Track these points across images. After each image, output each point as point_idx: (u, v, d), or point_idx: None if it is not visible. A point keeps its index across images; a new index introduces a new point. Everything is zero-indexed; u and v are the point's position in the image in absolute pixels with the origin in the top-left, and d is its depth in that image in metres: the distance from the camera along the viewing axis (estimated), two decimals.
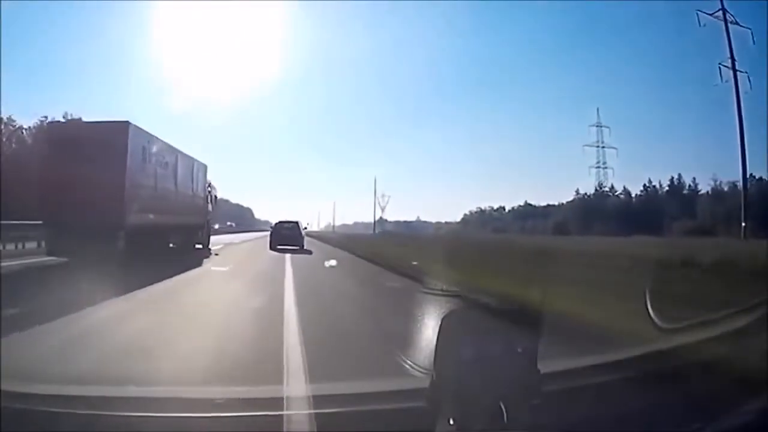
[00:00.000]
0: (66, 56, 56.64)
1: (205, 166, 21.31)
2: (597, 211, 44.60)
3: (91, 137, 13.19)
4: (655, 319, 3.24)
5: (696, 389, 2.18)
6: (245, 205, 75.14)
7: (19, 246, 15.10)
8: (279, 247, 21.59)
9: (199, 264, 14.94)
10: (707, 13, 33.74)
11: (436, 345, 1.74)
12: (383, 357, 4.02)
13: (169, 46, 55.40)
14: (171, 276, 10.64)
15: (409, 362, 2.66)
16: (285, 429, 1.93)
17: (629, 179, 51.83)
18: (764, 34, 32.86)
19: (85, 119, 26.06)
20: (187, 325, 6.31)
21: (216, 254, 19.26)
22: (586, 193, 48.47)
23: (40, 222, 13.95)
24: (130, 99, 49.26)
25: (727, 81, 32.74)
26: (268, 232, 27.65)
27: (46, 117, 34.00)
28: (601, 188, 47.49)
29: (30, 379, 2.76)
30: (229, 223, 46.12)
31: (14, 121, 34.65)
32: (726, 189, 40.78)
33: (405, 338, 3.61)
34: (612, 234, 34.09)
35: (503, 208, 55.82)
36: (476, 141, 65.06)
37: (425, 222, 58.12)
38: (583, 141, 46.60)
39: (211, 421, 1.93)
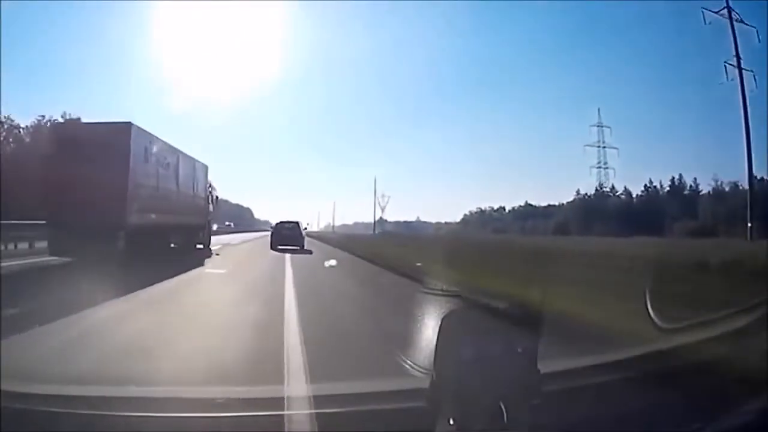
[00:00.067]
0: (66, 56, 56.68)
1: (206, 167, 21.40)
2: (598, 212, 44.54)
3: (94, 138, 13.29)
4: (655, 319, 3.24)
5: (696, 389, 2.18)
6: (245, 205, 75.29)
7: (10, 246, 15.09)
8: (279, 247, 21.70)
9: (200, 264, 14.94)
10: (712, 11, 33.60)
11: (436, 345, 1.74)
12: (383, 357, 4.02)
13: (169, 46, 55.44)
14: (172, 276, 10.65)
15: (409, 362, 2.65)
16: (286, 429, 1.93)
17: (630, 179, 51.66)
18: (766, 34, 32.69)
19: (84, 119, 26.33)
20: (188, 324, 6.32)
21: (217, 254, 19.30)
22: (586, 194, 48.47)
23: (38, 222, 14.05)
24: (130, 99, 49.38)
25: (732, 79, 32.53)
26: (268, 233, 27.79)
27: (43, 116, 34.19)
28: (601, 188, 47.48)
29: (30, 379, 2.77)
30: (227, 223, 46.05)
31: (13, 120, 34.76)
32: (727, 189, 40.77)
33: (405, 338, 3.61)
34: (613, 234, 34.04)
35: (503, 209, 55.85)
36: (476, 141, 65.09)
37: (425, 222, 58.20)
38: (583, 141, 46.59)
39: (211, 421, 1.93)
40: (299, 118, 76.82)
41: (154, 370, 3.96)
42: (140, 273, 10.18)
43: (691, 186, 45.30)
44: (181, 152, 18.00)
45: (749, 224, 28.22)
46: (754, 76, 32.30)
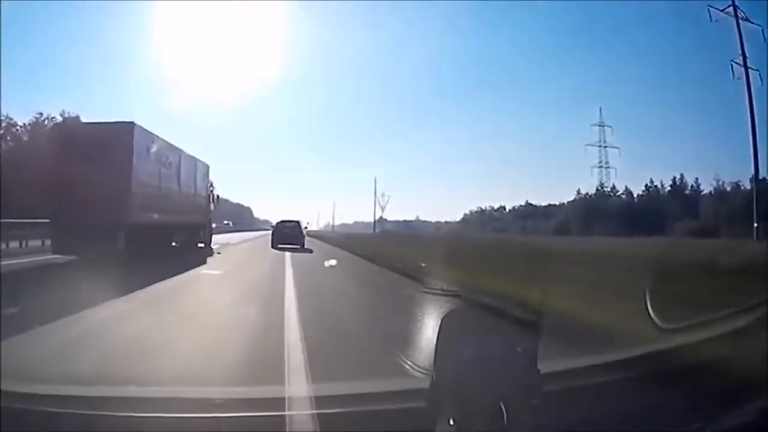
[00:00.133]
0: (66, 56, 56.48)
1: (207, 166, 21.54)
2: (599, 212, 44.47)
3: (97, 138, 13.45)
4: (655, 320, 3.24)
5: (696, 389, 2.18)
6: (245, 204, 75.26)
7: (12, 245, 15.12)
8: (280, 245, 21.92)
9: (202, 263, 15.01)
10: (718, 9, 33.46)
11: (436, 345, 1.73)
12: (383, 357, 4.02)
13: (169, 46, 55.17)
14: (174, 275, 10.69)
15: (409, 362, 2.65)
16: (288, 429, 1.94)
17: (631, 179, 51.52)
18: None
19: (84, 119, 26.50)
20: (190, 323, 6.34)
21: (218, 253, 19.35)
22: (587, 193, 48.38)
23: (37, 220, 14.21)
24: (130, 99, 49.19)
25: (738, 78, 32.35)
26: (268, 232, 27.92)
27: (41, 114, 34.21)
28: (602, 188, 47.39)
29: (30, 379, 2.77)
30: (225, 222, 45.89)
31: (11, 118, 34.71)
32: (729, 189, 40.70)
33: (405, 338, 3.61)
34: (614, 234, 34.02)
35: (504, 208, 55.70)
36: (476, 141, 64.88)
37: (425, 221, 58.05)
38: (584, 141, 46.46)
39: (211, 421, 1.93)
40: (299, 118, 76.66)
41: (154, 370, 3.97)
42: (143, 271, 10.24)
43: (692, 186, 45.23)
44: (183, 151, 18.13)
45: (755, 224, 27.97)
46: (759, 74, 32.14)
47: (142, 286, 8.52)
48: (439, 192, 78.84)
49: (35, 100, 58.19)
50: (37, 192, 15.70)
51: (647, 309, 3.40)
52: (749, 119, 30.89)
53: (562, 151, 66.29)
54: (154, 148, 15.19)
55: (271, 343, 5.00)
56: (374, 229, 52.40)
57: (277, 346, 4.81)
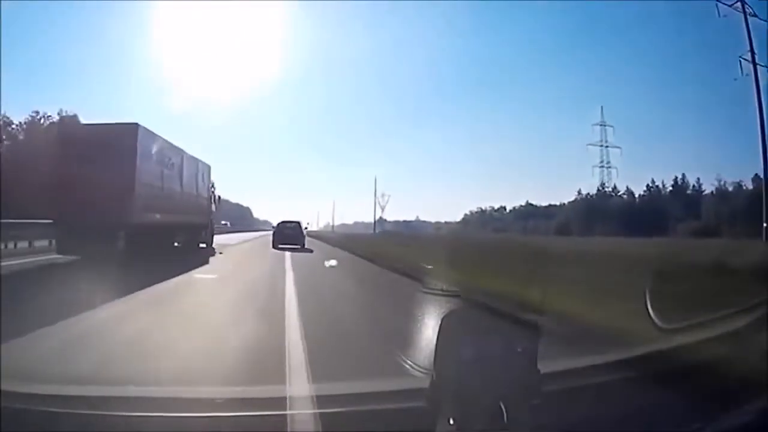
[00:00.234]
0: (66, 56, 56.49)
1: (209, 167, 21.61)
2: (599, 212, 44.42)
3: (101, 139, 13.50)
4: (655, 320, 3.23)
5: (696, 389, 2.18)
6: (245, 204, 75.21)
7: (6, 246, 15.08)
8: (281, 245, 22.04)
9: (204, 263, 15.05)
10: (726, 4, 33.31)
11: (436, 345, 1.74)
12: (384, 357, 4.02)
13: (169, 46, 55.22)
14: (177, 275, 10.68)
15: (409, 362, 2.66)
16: (289, 429, 1.94)
17: (632, 179, 51.44)
18: None
19: (84, 119, 26.60)
20: (191, 322, 6.35)
21: (220, 253, 19.38)
22: (588, 194, 48.33)
23: (36, 221, 14.26)
24: (130, 99, 49.22)
25: (747, 75, 32.08)
26: (268, 232, 27.98)
27: (37, 112, 34.14)
28: (603, 188, 47.31)
29: (30, 379, 2.77)
30: (223, 222, 45.78)
31: (7, 117, 34.54)
32: (730, 189, 40.62)
33: (405, 338, 3.61)
34: (615, 234, 33.99)
35: (504, 208, 55.63)
36: (476, 141, 64.76)
37: (425, 222, 57.98)
38: (584, 141, 46.38)
39: (211, 421, 1.93)
40: (299, 118, 76.61)
41: (155, 370, 3.97)
42: (147, 271, 10.28)
43: (694, 186, 45.14)
44: (185, 152, 18.21)
45: (765, 224, 27.59)
46: None
47: (144, 286, 8.52)
48: (439, 192, 78.80)
49: (35, 100, 58.12)
50: (37, 192, 15.71)
51: (647, 309, 3.40)
52: (758, 116, 30.51)
53: (563, 151, 66.28)
54: (157, 149, 15.25)
55: (272, 342, 5.00)
56: (374, 229, 52.37)
57: (277, 345, 4.81)
